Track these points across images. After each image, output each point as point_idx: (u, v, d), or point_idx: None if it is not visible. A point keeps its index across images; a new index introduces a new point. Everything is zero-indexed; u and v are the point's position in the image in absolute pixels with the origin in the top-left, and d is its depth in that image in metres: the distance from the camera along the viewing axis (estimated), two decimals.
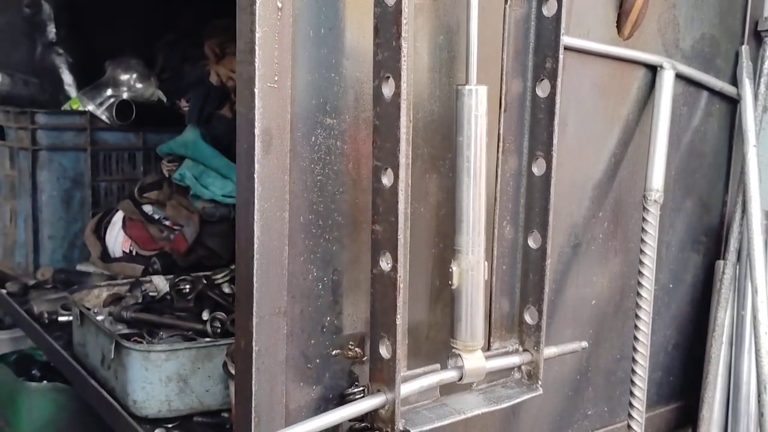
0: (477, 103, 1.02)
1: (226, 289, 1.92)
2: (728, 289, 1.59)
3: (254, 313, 1.00)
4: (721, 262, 1.62)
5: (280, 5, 0.95)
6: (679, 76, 1.45)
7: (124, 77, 2.55)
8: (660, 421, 1.63)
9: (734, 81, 1.60)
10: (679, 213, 1.57)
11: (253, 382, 1.02)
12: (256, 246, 0.99)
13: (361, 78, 1.05)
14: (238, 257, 1.02)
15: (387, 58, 0.96)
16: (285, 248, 1.02)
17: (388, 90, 0.96)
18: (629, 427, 1.37)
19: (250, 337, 1.01)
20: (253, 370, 1.02)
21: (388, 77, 0.96)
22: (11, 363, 2.22)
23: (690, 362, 1.67)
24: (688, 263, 1.62)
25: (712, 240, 1.66)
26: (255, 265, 0.99)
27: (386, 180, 0.98)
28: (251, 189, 0.98)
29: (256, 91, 0.95)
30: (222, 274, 1.99)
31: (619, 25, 1.34)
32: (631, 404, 1.38)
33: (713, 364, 1.58)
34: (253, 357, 1.01)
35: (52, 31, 2.69)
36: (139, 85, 2.56)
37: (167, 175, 2.23)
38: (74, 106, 2.47)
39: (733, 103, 1.63)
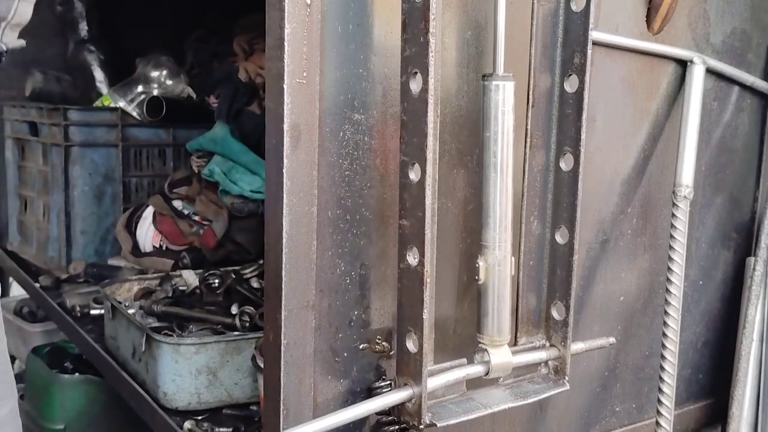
0: (504, 99, 1.02)
1: (255, 284, 1.93)
2: (759, 286, 1.57)
3: (283, 307, 1.01)
4: (752, 258, 1.60)
5: (308, 2, 0.96)
6: (710, 71, 1.43)
7: (155, 74, 2.57)
8: (689, 418, 1.62)
9: (766, 76, 1.58)
10: (709, 209, 1.56)
11: (282, 374, 1.03)
12: (284, 240, 1.00)
13: (388, 74, 1.05)
14: (267, 251, 1.03)
15: (415, 53, 0.96)
16: (313, 243, 1.03)
17: (415, 85, 0.97)
18: (658, 424, 1.36)
19: (278, 330, 1.02)
20: (282, 362, 1.03)
21: (416, 73, 0.96)
22: (44, 355, 2.25)
23: (719, 359, 1.65)
24: (718, 260, 1.61)
25: (742, 236, 1.64)
26: (284, 259, 1.00)
27: (413, 175, 0.99)
28: (280, 184, 0.99)
29: (285, 86, 0.96)
30: (250, 269, 2.00)
31: (649, 19, 1.33)
32: (659, 401, 1.37)
33: (743, 362, 1.57)
34: (282, 350, 1.02)
35: (83, 28, 2.73)
36: (169, 82, 2.59)
37: (197, 171, 2.25)
38: (106, 103, 2.50)
39: (764, 99, 1.61)
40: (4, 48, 1.02)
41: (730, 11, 1.49)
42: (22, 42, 1.08)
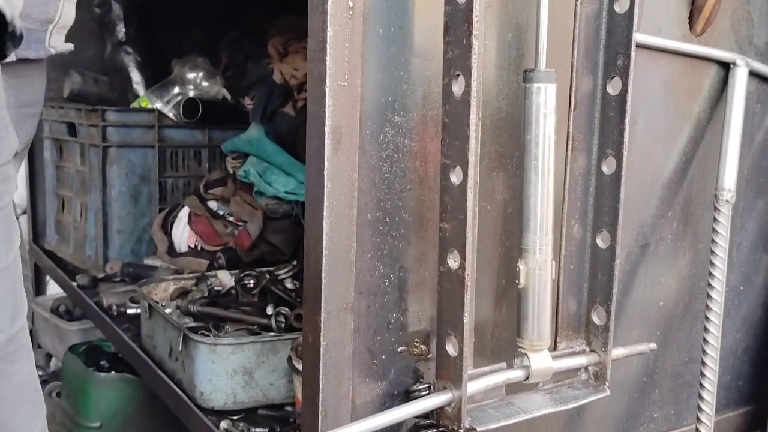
0: (546, 101, 1.02)
1: (289, 285, 1.94)
2: None
3: (322, 309, 1.01)
4: None
5: (351, 4, 0.96)
6: (753, 74, 1.41)
7: (191, 75, 2.59)
8: (728, 425, 1.59)
9: None
10: (751, 213, 1.53)
11: (321, 376, 1.03)
12: (324, 242, 1.00)
13: (429, 76, 1.05)
14: (307, 253, 1.03)
15: (457, 56, 0.96)
16: (353, 245, 1.03)
17: (458, 88, 0.96)
18: (698, 430, 1.35)
19: (317, 332, 1.03)
20: (321, 364, 1.03)
21: (458, 75, 0.96)
22: (81, 354, 2.28)
23: (760, 366, 1.62)
24: (760, 265, 1.58)
25: None
26: (324, 261, 1.00)
27: (455, 178, 0.98)
28: (321, 186, 0.99)
29: (326, 89, 0.96)
30: (285, 270, 2.01)
31: (691, 21, 1.31)
32: (699, 408, 1.35)
33: None
34: (321, 352, 1.03)
35: (121, 30, 2.76)
36: (205, 84, 2.61)
37: (232, 172, 2.27)
38: (143, 104, 2.53)
39: None
40: (53, 52, 1.02)
41: None
42: (70, 46, 1.08)
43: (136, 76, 2.71)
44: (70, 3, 1.01)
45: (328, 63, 0.96)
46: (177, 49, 2.74)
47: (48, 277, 2.95)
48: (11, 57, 0.91)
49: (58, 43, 1.03)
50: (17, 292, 0.90)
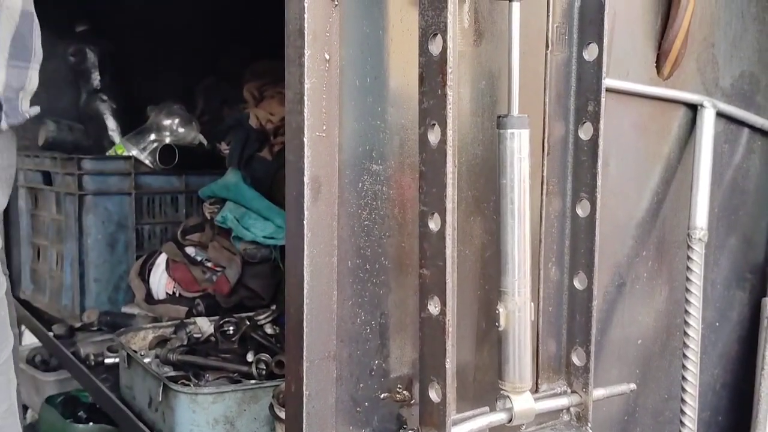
0: (520, 146, 1.03)
1: (269, 330, 1.94)
2: None
3: (304, 358, 1.01)
4: (767, 299, 1.60)
5: (327, 57, 0.98)
6: (720, 114, 1.45)
7: (167, 122, 2.61)
8: None
9: None
10: (723, 250, 1.56)
11: (304, 426, 1.03)
12: (305, 291, 1.00)
13: (405, 124, 1.07)
14: (288, 302, 1.04)
15: (432, 105, 0.98)
16: (334, 293, 1.03)
17: (434, 137, 0.98)
18: None
19: (300, 382, 1.02)
20: (304, 414, 1.03)
21: (434, 124, 0.98)
22: (58, 405, 2.25)
23: (739, 401, 1.64)
24: (734, 301, 1.61)
25: (757, 277, 1.64)
26: (305, 310, 1.01)
27: (433, 225, 1.00)
28: (301, 235, 1.00)
29: (305, 140, 0.98)
30: (264, 315, 2.02)
31: (659, 65, 1.35)
32: None
33: (762, 404, 1.56)
34: (304, 401, 1.02)
35: (96, 78, 2.77)
36: (181, 130, 2.62)
37: (209, 218, 2.27)
38: (119, 152, 2.53)
39: None
40: (27, 116, 1.05)
41: (738, 55, 1.51)
42: (37, 108, 1.13)
43: (111, 124, 2.71)
44: (34, 72, 1.06)
45: (306, 114, 0.97)
46: (152, 96, 2.76)
47: (23, 327, 2.91)
48: (4, 125, 0.95)
49: (26, 108, 1.07)
50: None
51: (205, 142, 2.65)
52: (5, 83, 0.94)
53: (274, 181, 2.24)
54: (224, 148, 2.45)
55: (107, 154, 2.60)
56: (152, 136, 2.55)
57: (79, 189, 2.32)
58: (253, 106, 2.48)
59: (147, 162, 2.45)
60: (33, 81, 1.05)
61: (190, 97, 2.90)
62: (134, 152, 2.49)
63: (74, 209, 2.33)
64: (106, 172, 2.37)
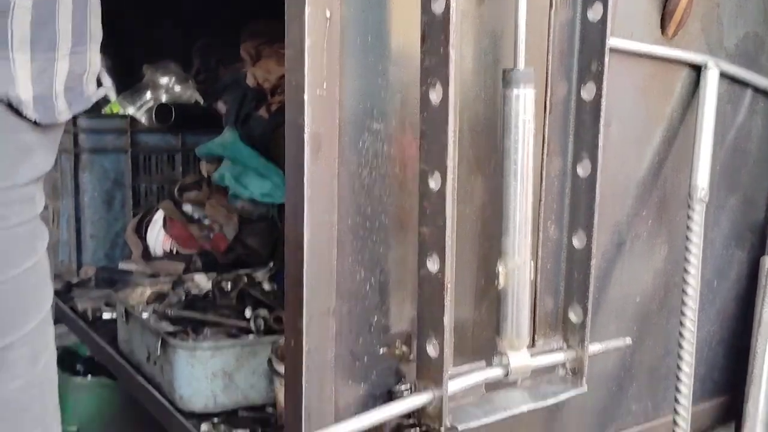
0: (525, 107, 1.03)
1: (266, 287, 1.95)
2: None
3: (304, 313, 1.02)
4: (766, 258, 1.61)
5: (328, 14, 0.97)
6: (723, 75, 1.44)
7: (163, 80, 2.58)
8: (704, 416, 1.63)
9: None
10: (723, 210, 1.57)
11: (304, 379, 1.04)
12: (305, 248, 1.01)
13: (406, 82, 1.06)
14: (288, 259, 1.04)
15: (434, 64, 0.97)
16: (333, 250, 1.04)
17: (435, 96, 0.98)
18: (675, 422, 1.37)
19: (300, 337, 1.03)
20: (303, 368, 1.04)
21: (436, 83, 0.97)
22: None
23: (734, 358, 1.66)
24: (733, 259, 1.62)
25: (756, 236, 1.65)
26: (305, 267, 1.01)
27: (433, 183, 1.00)
28: (300, 193, 1.00)
29: (305, 98, 0.97)
30: (262, 272, 2.02)
31: (663, 25, 1.33)
32: (676, 399, 1.37)
33: (758, 360, 1.58)
34: (303, 355, 1.03)
35: None
36: (177, 88, 2.60)
37: (206, 176, 2.27)
38: (114, 110, 2.52)
39: None
40: (93, 100, 1.03)
41: (743, 15, 1.49)
42: (104, 90, 1.09)
43: (107, 82, 2.68)
44: (94, 52, 1.02)
45: (306, 72, 0.96)
46: (148, 54, 2.73)
47: None
48: (66, 116, 0.94)
49: (93, 90, 1.03)
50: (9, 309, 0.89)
51: (201, 100, 2.63)
52: (68, 72, 0.92)
53: (271, 139, 2.22)
54: (221, 106, 2.44)
55: (102, 112, 2.58)
56: (148, 95, 2.53)
57: (75, 147, 2.32)
58: (251, 65, 2.45)
59: (143, 120, 2.44)
60: (94, 63, 1.02)
61: (187, 56, 2.87)
62: (130, 110, 2.48)
63: (70, 167, 2.33)
64: (102, 130, 2.36)
